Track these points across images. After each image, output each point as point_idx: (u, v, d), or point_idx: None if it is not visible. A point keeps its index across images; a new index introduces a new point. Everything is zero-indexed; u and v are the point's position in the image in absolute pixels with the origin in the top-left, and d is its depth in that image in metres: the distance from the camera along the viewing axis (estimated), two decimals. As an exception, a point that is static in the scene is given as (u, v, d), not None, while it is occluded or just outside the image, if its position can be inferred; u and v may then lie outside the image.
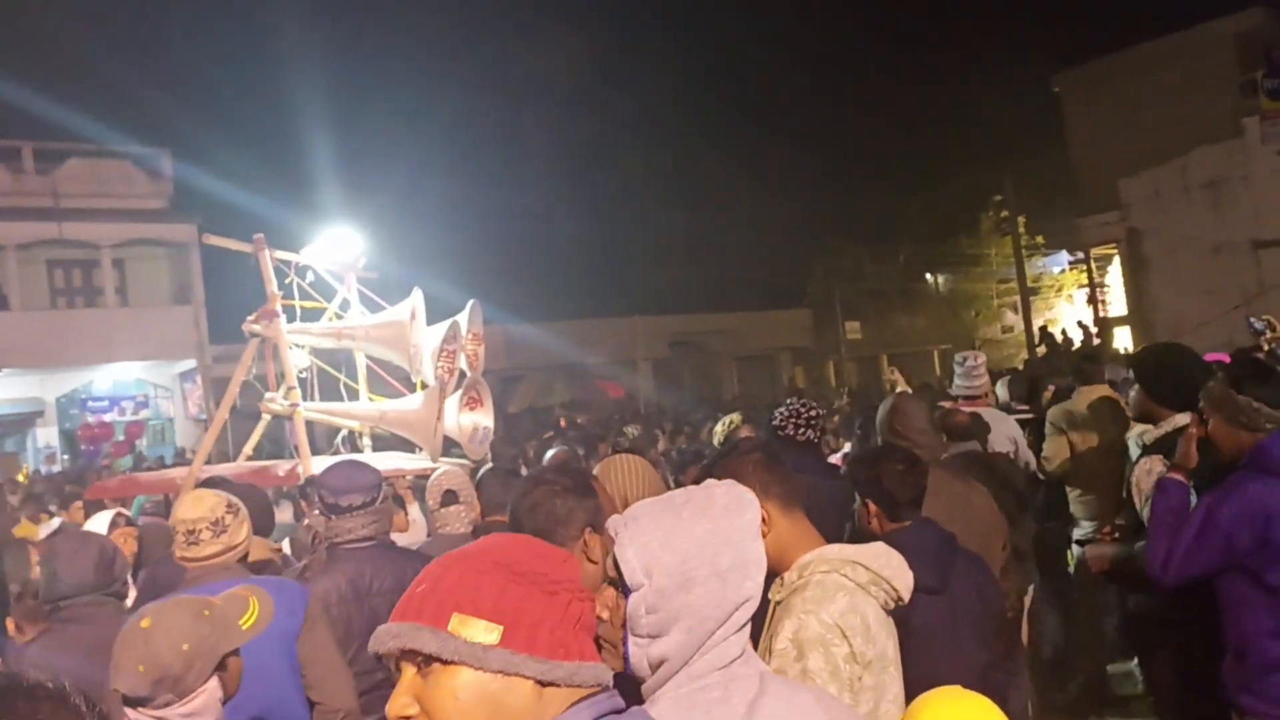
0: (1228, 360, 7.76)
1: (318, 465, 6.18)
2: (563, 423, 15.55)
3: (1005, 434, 6.45)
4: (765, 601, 2.28)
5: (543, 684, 1.32)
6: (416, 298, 6.92)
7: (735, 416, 6.84)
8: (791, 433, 4.49)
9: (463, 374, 7.14)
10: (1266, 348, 7.29)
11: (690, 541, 1.64)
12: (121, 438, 22.76)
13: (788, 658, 2.14)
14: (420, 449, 6.94)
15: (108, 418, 24.00)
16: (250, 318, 6.68)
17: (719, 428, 6.66)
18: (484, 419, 7.18)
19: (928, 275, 39.25)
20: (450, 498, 4.72)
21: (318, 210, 27.69)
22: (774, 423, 4.58)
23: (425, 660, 1.30)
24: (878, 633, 2.22)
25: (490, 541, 1.45)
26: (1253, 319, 7.86)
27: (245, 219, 28.01)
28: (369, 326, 7.08)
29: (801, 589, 2.26)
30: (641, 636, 1.62)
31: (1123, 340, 29.98)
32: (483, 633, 1.31)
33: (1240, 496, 3.12)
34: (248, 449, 7.25)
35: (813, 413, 4.56)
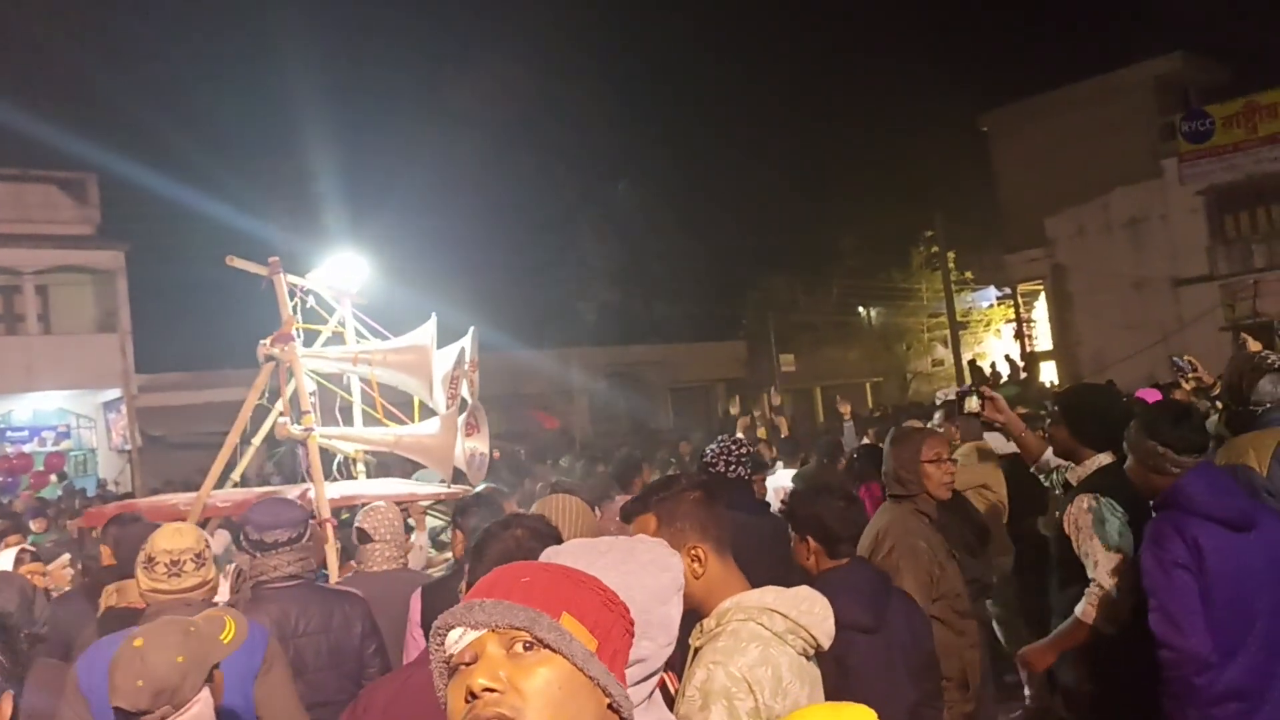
0: (1159, 396, 7.99)
1: (332, 491, 6.11)
2: (497, 454, 15.39)
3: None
4: (686, 646, 2.26)
5: (610, 707, 1.35)
6: (433, 324, 6.90)
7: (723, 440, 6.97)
8: (723, 469, 4.57)
9: (464, 401, 7.13)
10: (1189, 385, 7.46)
11: None
12: (41, 468, 22.10)
13: (693, 706, 2.11)
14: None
15: (27, 448, 23.29)
16: (265, 341, 6.55)
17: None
18: (482, 445, 7.21)
19: (860, 309, 39.77)
20: (363, 536, 4.65)
21: (256, 237, 27.28)
22: (706, 459, 4.65)
23: (527, 645, 1.31)
24: (790, 684, 2.16)
25: (571, 569, 1.47)
26: (1176, 358, 8.09)
27: (179, 246, 27.55)
28: (387, 351, 6.96)
29: (715, 637, 2.21)
30: None
31: (1048, 374, 30.63)
32: (587, 639, 1.35)
33: (1167, 534, 3.22)
34: (235, 475, 7.03)
35: (743, 450, 4.63)
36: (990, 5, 53.56)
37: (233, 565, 5.06)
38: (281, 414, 6.51)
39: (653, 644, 1.64)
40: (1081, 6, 52.29)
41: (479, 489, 6.24)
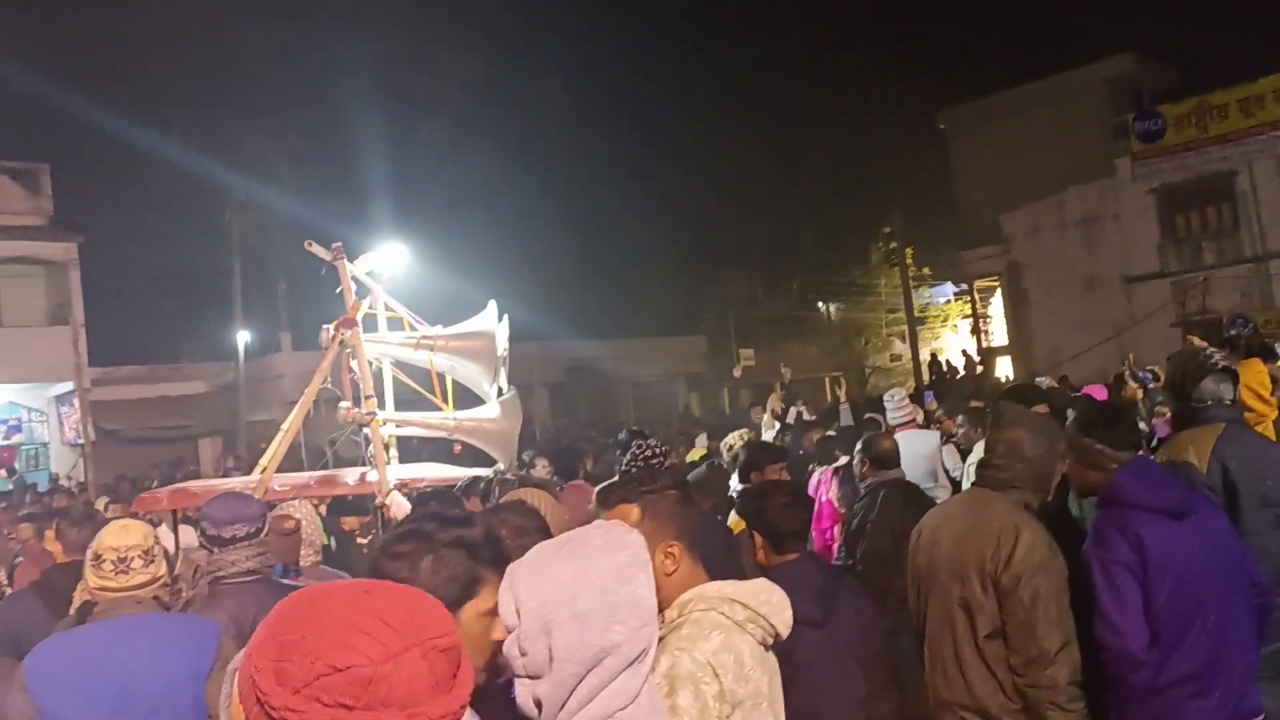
0: (1105, 392, 8.21)
1: (394, 474, 6.13)
2: (457, 449, 15.36)
3: (927, 446, 7.47)
4: None
5: None
6: (494, 310, 6.90)
7: (745, 432, 7.51)
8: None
9: (499, 388, 7.17)
10: (1140, 388, 7.72)
11: (551, 584, 1.64)
12: (-8, 463, 21.78)
13: (659, 693, 2.15)
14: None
15: (-23, 443, 22.95)
16: (329, 326, 6.51)
17: (733, 441, 7.23)
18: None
19: (819, 304, 40.01)
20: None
21: (216, 228, 26.94)
22: (623, 467, 4.79)
23: None
24: (752, 670, 2.24)
25: (320, 626, 1.20)
26: (1138, 369, 8.45)
27: (133, 238, 27.15)
28: (449, 336, 6.96)
29: (678, 627, 2.28)
30: (524, 677, 1.64)
31: (1004, 369, 31.00)
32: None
33: (1108, 533, 3.30)
34: (267, 462, 6.93)
35: (648, 452, 4.76)
36: (948, 5, 54.05)
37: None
38: (342, 399, 6.49)
39: (623, 627, 1.63)
40: (1036, 7, 52.85)
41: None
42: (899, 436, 7.28)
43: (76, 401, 23.40)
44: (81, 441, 23.19)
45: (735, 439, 7.24)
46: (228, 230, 26.12)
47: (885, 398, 8.21)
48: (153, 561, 3.31)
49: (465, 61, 34.36)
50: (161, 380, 26.39)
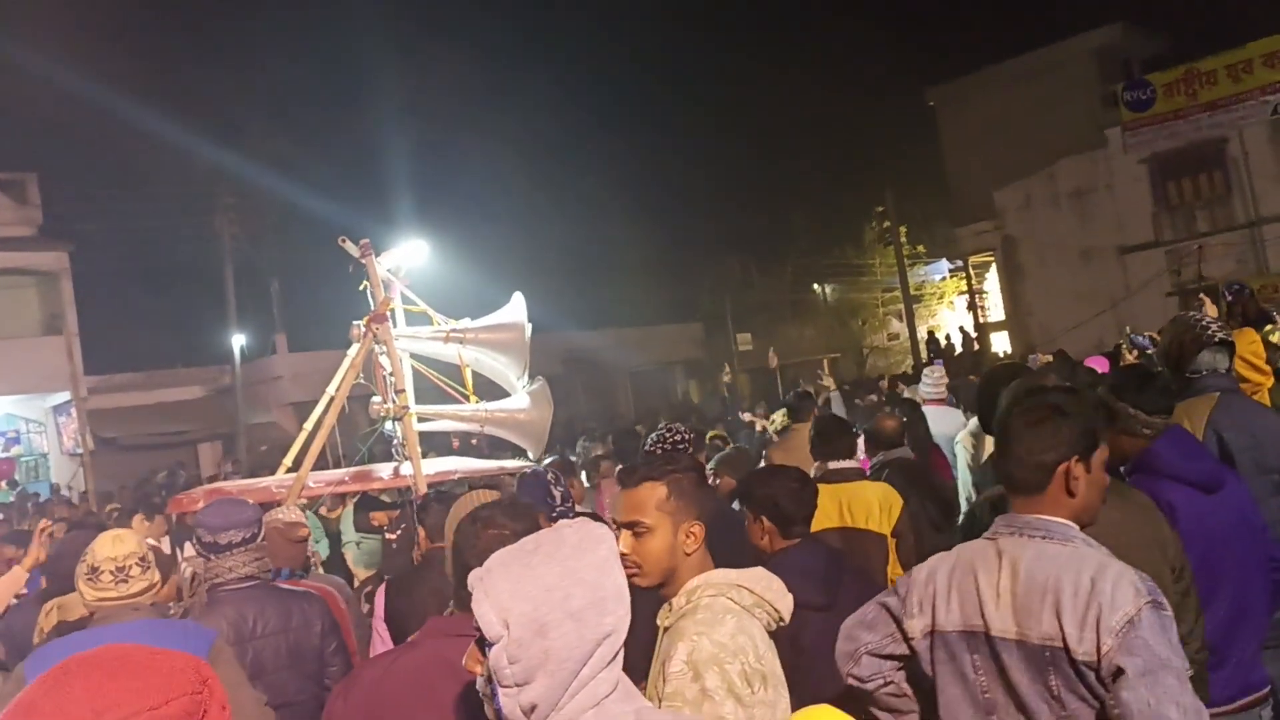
0: (1106, 363, 8.15)
1: (426, 468, 6.13)
2: (455, 444, 15.32)
3: (949, 428, 7.30)
4: (653, 628, 2.31)
5: None
6: (521, 301, 6.88)
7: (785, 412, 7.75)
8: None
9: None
10: (1139, 354, 7.66)
11: (540, 588, 1.64)
12: (-9, 476, 21.74)
13: (684, 679, 2.17)
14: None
15: (-24, 456, 22.91)
16: (360, 322, 6.48)
17: (778, 418, 7.50)
18: None
19: (815, 286, 39.98)
20: None
21: (203, 232, 26.84)
22: (647, 448, 4.73)
23: None
24: (765, 652, 2.28)
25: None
26: (1136, 335, 8.32)
27: (125, 244, 27.08)
28: (479, 329, 6.94)
29: (691, 613, 2.30)
30: (509, 686, 1.62)
31: (1001, 344, 30.99)
32: None
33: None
34: (287, 460, 6.90)
35: (678, 436, 4.71)
36: (934, -20, 53.90)
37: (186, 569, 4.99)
38: (375, 394, 6.46)
39: (613, 616, 1.66)
40: (1023, -21, 52.71)
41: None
42: (926, 410, 7.48)
43: (74, 411, 23.38)
44: (80, 451, 23.17)
45: (780, 415, 7.43)
46: (218, 233, 26.03)
47: (925, 372, 8.35)
48: (149, 568, 3.30)
49: (456, 58, 34.27)
50: (158, 386, 26.33)
